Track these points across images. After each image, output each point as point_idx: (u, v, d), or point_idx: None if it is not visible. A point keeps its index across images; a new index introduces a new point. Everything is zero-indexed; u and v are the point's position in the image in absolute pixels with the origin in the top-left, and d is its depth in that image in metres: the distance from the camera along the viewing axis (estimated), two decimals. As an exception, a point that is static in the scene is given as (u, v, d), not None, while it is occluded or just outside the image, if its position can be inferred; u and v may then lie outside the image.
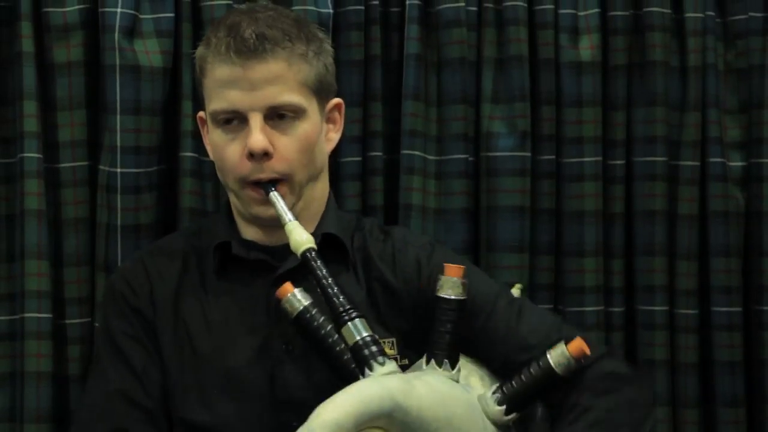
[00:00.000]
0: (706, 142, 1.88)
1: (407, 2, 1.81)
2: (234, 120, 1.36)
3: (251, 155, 1.34)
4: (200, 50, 1.40)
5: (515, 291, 1.67)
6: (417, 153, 1.81)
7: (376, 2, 1.81)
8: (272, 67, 1.34)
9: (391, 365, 1.24)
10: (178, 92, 1.75)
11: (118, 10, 1.70)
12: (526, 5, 1.83)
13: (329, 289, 1.27)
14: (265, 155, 1.34)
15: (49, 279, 1.68)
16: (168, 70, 1.74)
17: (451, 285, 1.27)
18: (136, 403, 1.37)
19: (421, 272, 1.41)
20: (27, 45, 1.69)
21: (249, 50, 1.32)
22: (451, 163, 1.83)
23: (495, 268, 1.82)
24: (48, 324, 1.66)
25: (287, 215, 1.32)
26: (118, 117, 1.70)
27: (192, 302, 1.41)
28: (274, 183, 1.35)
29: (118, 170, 1.70)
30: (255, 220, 1.40)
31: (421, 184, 1.81)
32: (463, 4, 1.82)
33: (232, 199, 1.43)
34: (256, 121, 1.34)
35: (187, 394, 1.37)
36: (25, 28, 1.69)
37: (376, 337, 1.25)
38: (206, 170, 1.76)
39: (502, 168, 1.82)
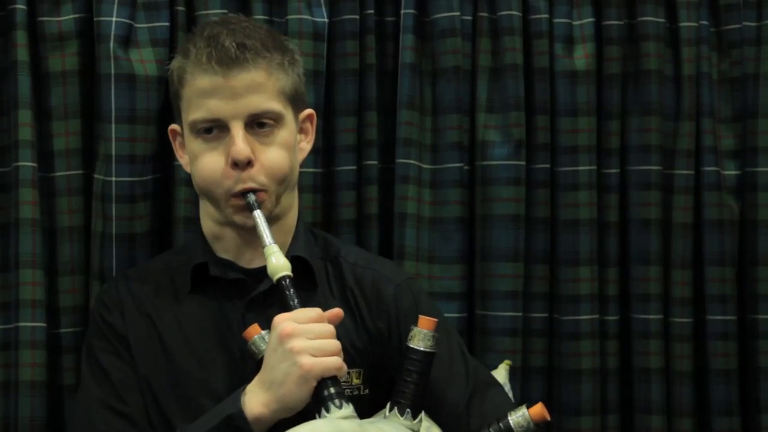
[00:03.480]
0: (701, 151, 1.88)
1: (402, 11, 1.81)
2: (214, 129, 1.38)
3: (235, 164, 1.36)
4: (178, 61, 1.42)
5: (503, 369, 1.67)
6: (412, 162, 1.81)
7: (371, 11, 1.82)
8: (253, 75, 1.36)
9: (348, 409, 1.25)
10: (173, 101, 1.75)
11: (114, 19, 1.70)
12: (520, 14, 1.84)
13: None
14: (248, 163, 1.36)
15: (44, 288, 1.68)
16: (163, 79, 1.73)
17: (422, 337, 1.28)
18: (117, 411, 1.39)
19: (397, 310, 1.44)
20: (22, 54, 1.68)
21: (231, 59, 1.35)
22: (445, 172, 1.83)
23: (490, 277, 1.82)
24: (42, 333, 1.66)
25: (267, 238, 1.34)
26: (113, 126, 1.70)
27: (168, 318, 1.43)
28: (254, 191, 1.37)
29: (113, 179, 1.70)
30: (234, 227, 1.42)
31: (416, 193, 1.81)
32: (458, 13, 1.82)
33: (210, 210, 1.44)
34: (238, 129, 1.36)
35: (168, 402, 1.40)
36: (20, 37, 1.68)
37: (338, 378, 1.26)
38: (201, 179, 1.75)
39: (497, 177, 1.83)
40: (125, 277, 1.50)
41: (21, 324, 1.65)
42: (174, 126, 1.49)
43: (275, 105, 1.38)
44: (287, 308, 1.30)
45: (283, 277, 1.31)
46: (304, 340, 1.24)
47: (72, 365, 1.70)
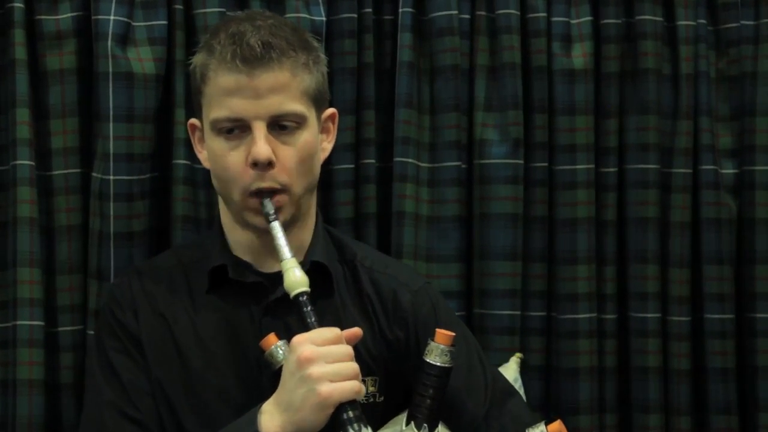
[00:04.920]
0: (698, 150, 1.88)
1: (400, 10, 1.81)
2: (235, 129, 1.35)
3: (255, 164, 1.33)
4: (201, 57, 1.38)
5: (513, 363, 1.67)
6: (410, 160, 1.81)
7: (369, 10, 1.82)
8: (278, 75, 1.33)
9: None
10: (171, 100, 1.75)
11: (111, 17, 1.70)
12: (518, 13, 1.84)
13: None
14: (269, 164, 1.34)
15: (42, 287, 1.68)
16: (161, 77, 1.73)
17: (438, 352, 1.27)
18: (128, 415, 1.37)
19: (415, 317, 1.43)
20: (20, 52, 1.68)
21: (255, 58, 1.32)
22: (443, 170, 1.83)
23: (488, 275, 1.82)
24: (40, 332, 1.66)
25: (286, 252, 1.31)
26: (111, 124, 1.70)
27: (183, 318, 1.41)
28: (273, 193, 1.35)
29: (111, 178, 1.70)
30: (251, 228, 1.40)
31: (414, 191, 1.81)
32: (456, 11, 1.82)
33: (228, 209, 1.42)
34: (260, 130, 1.33)
35: (182, 407, 1.37)
36: (18, 36, 1.68)
37: (356, 400, 1.25)
38: (199, 178, 1.76)
39: (495, 175, 1.83)
40: (138, 273, 1.46)
41: (19, 322, 1.65)
42: (193, 120, 1.46)
43: (298, 106, 1.35)
44: (305, 325, 1.28)
45: (301, 294, 1.29)
46: (323, 365, 1.22)
47: (70, 364, 1.70)
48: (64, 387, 1.70)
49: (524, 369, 1.82)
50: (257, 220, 1.36)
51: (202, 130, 1.42)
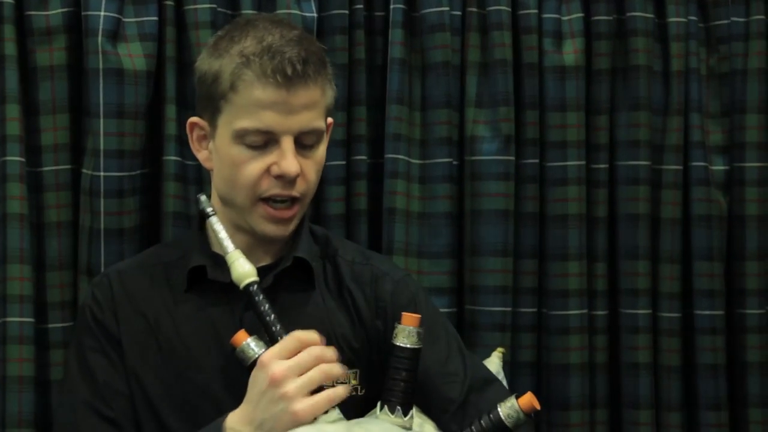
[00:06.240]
0: (689, 146, 1.89)
1: (391, 6, 1.81)
2: (260, 140, 1.34)
3: (280, 177, 1.34)
4: (233, 65, 1.34)
5: (496, 357, 1.67)
6: (401, 157, 1.81)
7: (361, 6, 1.82)
8: (312, 92, 1.34)
9: (334, 413, 1.24)
10: (161, 96, 1.74)
11: (102, 13, 1.70)
12: (509, 10, 1.84)
13: (272, 327, 1.28)
14: (294, 178, 1.35)
15: (31, 283, 1.67)
16: (151, 73, 1.73)
17: (406, 334, 1.27)
18: (102, 414, 1.36)
19: (394, 307, 1.42)
20: (9, 48, 1.68)
21: (297, 75, 1.31)
22: (435, 167, 1.83)
23: (479, 272, 1.82)
24: (30, 328, 1.65)
25: (228, 244, 1.32)
26: (102, 120, 1.69)
27: (164, 317, 1.40)
28: (292, 202, 1.36)
29: (102, 174, 1.69)
30: (255, 235, 1.39)
31: (405, 188, 1.81)
32: (447, 8, 1.82)
33: (227, 210, 1.40)
34: (289, 144, 1.33)
35: (163, 405, 1.37)
36: (8, 31, 1.68)
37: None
38: (190, 174, 1.75)
39: (486, 172, 1.83)
40: (118, 272, 1.45)
41: (8, 319, 1.65)
42: (195, 119, 1.42)
43: (321, 123, 1.37)
44: (258, 316, 1.29)
45: (250, 284, 1.30)
46: (295, 379, 1.22)
47: (60, 361, 1.69)
48: (54, 384, 1.69)
49: (515, 365, 1.84)
50: (267, 228, 1.37)
51: (206, 130, 1.40)
